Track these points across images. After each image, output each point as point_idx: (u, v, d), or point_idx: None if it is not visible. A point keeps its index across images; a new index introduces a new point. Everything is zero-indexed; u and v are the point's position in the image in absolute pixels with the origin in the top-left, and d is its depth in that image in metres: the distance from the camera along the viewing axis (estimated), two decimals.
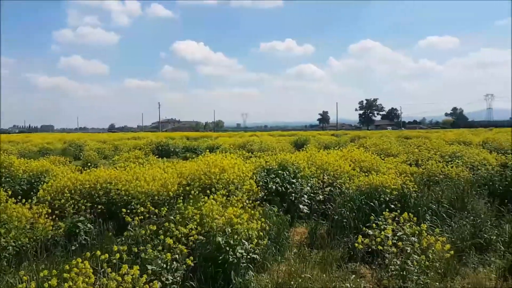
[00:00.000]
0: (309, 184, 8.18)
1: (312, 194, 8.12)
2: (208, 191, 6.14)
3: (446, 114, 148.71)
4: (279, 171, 8.27)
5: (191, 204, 5.65)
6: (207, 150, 9.55)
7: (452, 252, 4.69)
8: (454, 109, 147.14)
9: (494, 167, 9.54)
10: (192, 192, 6.55)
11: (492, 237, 5.91)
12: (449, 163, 10.03)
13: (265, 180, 8.02)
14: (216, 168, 7.47)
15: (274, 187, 7.79)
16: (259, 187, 7.49)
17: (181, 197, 6.39)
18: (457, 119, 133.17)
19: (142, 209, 5.65)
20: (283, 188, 7.81)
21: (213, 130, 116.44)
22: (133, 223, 5.13)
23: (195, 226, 4.91)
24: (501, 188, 8.20)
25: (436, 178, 8.91)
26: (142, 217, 5.48)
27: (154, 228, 4.86)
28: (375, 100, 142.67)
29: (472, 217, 6.44)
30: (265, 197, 7.55)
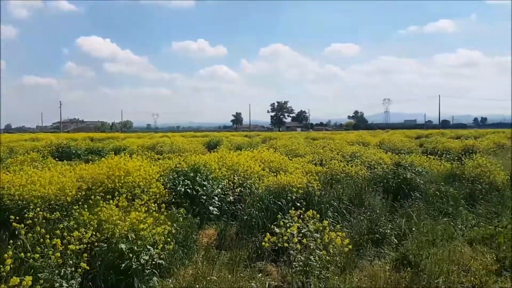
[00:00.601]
0: (220, 186, 8.16)
1: (222, 196, 8.11)
2: (110, 196, 5.81)
3: (349, 117, 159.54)
4: (191, 173, 8.13)
5: (86, 209, 5.28)
6: (112, 152, 9.05)
7: (350, 246, 4.97)
8: (356, 112, 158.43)
9: (389, 166, 10.38)
10: (93, 197, 6.16)
11: (386, 231, 6.36)
12: (350, 162, 10.70)
13: (174, 183, 7.83)
14: (120, 171, 7.11)
15: (183, 189, 7.64)
16: (167, 190, 7.29)
17: (80, 202, 5.99)
18: (358, 122, 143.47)
19: (32, 214, 5.17)
20: (193, 190, 7.69)
21: (120, 130, 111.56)
22: (20, 230, 4.64)
23: (94, 233, 4.61)
24: (394, 185, 8.88)
25: (338, 176, 9.42)
26: (30, 222, 5.00)
27: (43, 232, 4.45)
28: (285, 102, 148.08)
29: (369, 213, 6.90)
30: (173, 200, 7.37)
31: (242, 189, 8.29)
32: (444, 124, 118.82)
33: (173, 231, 5.29)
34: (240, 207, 7.63)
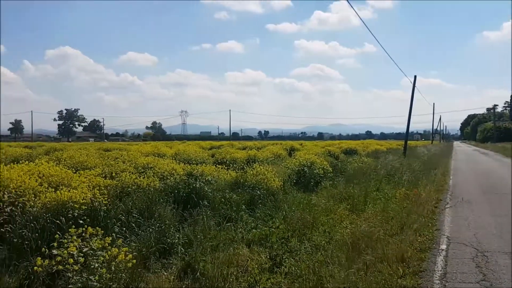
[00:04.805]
0: None
1: None
2: None
3: (147, 128, 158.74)
4: None
5: None
6: None
7: (134, 261, 4.84)
8: (154, 123, 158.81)
9: (181, 176, 10.62)
10: None
11: (174, 240, 6.47)
12: (142, 174, 10.51)
13: None
14: None
15: None
16: None
17: None
18: (157, 132, 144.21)
19: None
20: None
21: None
22: None
23: None
24: (185, 195, 9.11)
25: (129, 189, 9.12)
26: None
27: None
28: (76, 110, 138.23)
29: (158, 224, 6.89)
30: None
31: (13, 208, 7.19)
32: (234, 136, 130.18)
33: None
34: (9, 229, 6.60)
